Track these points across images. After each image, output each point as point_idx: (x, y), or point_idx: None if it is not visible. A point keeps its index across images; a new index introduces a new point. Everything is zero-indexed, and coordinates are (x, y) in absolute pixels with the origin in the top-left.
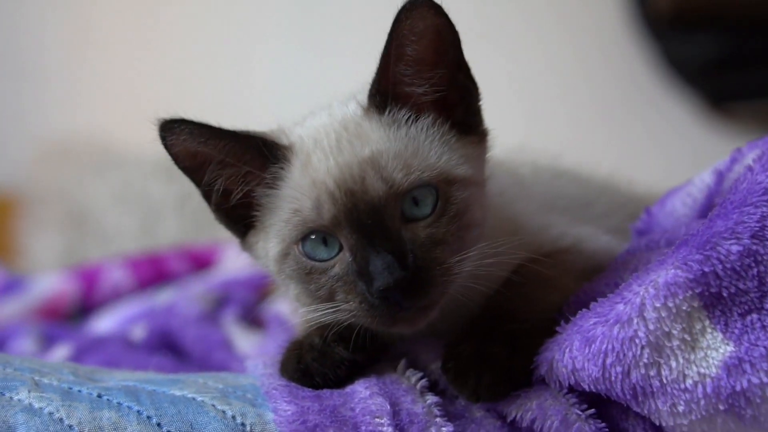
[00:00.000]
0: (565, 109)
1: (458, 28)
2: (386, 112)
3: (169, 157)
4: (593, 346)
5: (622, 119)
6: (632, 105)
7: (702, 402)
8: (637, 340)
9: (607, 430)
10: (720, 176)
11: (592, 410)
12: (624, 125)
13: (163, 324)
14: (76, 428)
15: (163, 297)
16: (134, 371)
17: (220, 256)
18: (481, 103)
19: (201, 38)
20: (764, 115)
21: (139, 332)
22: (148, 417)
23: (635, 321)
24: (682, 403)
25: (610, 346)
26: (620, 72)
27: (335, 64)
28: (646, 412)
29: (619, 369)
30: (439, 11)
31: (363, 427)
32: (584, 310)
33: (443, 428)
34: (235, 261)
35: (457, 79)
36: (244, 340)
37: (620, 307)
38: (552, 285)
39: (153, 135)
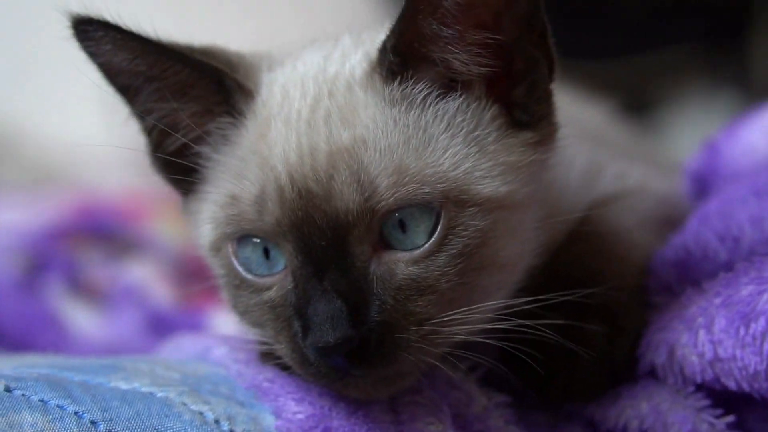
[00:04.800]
0: None
1: None
2: (396, 82)
3: None
4: (753, 325)
5: None
6: None
7: None
8: None
9: None
10: None
11: (731, 417)
12: None
13: None
14: None
15: None
16: (29, 352)
17: None
18: (553, 85)
19: None
20: None
21: None
22: (93, 422)
23: None
24: None
25: None
26: None
27: None
28: None
29: None
30: None
31: None
32: (728, 273)
33: None
34: (12, 208)
35: (520, 47)
36: (79, 316)
37: None
38: (630, 240)
39: None
